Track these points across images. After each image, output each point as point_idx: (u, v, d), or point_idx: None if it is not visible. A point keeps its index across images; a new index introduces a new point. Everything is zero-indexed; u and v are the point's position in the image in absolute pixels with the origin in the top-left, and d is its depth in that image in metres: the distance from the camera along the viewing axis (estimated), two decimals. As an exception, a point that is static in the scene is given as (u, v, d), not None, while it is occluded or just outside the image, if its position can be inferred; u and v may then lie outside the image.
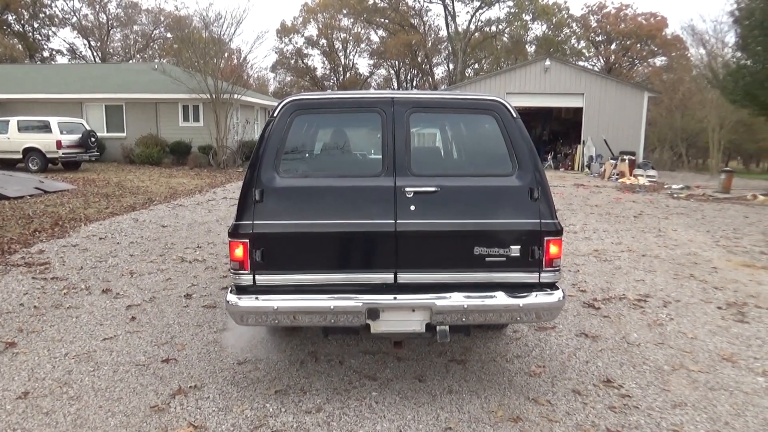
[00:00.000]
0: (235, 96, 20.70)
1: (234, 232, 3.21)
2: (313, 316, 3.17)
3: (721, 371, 3.84)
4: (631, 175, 19.27)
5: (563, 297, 3.25)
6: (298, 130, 3.38)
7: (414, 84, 61.27)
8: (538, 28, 51.20)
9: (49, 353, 4.00)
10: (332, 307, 3.13)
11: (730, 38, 23.37)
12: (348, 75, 56.57)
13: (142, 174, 17.37)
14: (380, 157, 3.32)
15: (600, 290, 5.77)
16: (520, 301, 3.19)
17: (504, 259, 3.24)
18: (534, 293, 3.23)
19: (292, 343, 4.18)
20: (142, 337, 4.31)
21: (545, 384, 3.59)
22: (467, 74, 54.27)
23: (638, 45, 49.28)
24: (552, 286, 3.30)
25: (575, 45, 52.34)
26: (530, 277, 3.27)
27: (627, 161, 19.80)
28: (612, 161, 20.61)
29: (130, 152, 20.88)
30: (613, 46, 51.07)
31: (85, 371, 3.72)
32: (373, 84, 61.17)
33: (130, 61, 45.94)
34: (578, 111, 24.10)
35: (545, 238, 3.23)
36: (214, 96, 19.75)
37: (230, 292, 3.27)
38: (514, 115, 3.41)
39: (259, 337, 4.29)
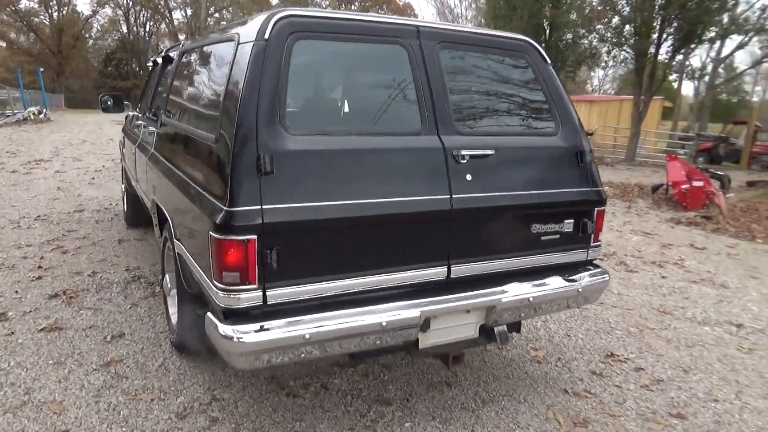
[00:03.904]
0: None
1: (228, 225, 1.98)
2: (358, 339, 2.18)
3: (673, 326, 3.95)
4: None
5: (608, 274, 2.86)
6: (301, 62, 2.22)
7: (147, 29, 54.82)
8: (283, -19, 50.05)
9: None
10: (384, 324, 2.19)
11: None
12: (64, 12, 47.56)
13: None
14: (416, 107, 2.40)
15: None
16: (579, 285, 2.69)
17: (558, 236, 2.68)
18: (584, 273, 2.76)
19: (229, 370, 2.99)
20: (-29, 401, 2.61)
21: (564, 370, 3.20)
22: (209, 24, 50.66)
23: (376, 7, 52.04)
24: (594, 264, 2.87)
25: (318, 1, 52.75)
26: (579, 255, 2.79)
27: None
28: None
29: None
30: (354, 6, 52.92)
31: None
32: (95, 27, 52.82)
33: None
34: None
35: (596, 209, 2.76)
36: None
37: (219, 320, 2.06)
38: (547, 60, 2.81)
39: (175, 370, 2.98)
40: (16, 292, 3.96)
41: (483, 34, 2.69)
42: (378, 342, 2.23)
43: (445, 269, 2.40)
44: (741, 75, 28.84)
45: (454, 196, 2.34)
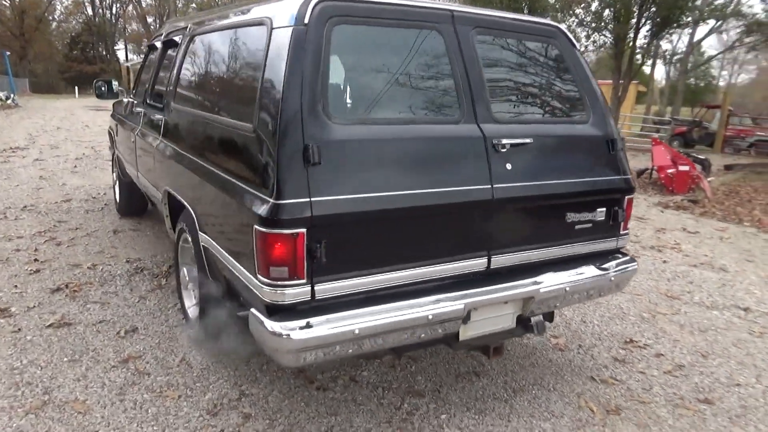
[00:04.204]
0: None
1: (275, 219, 1.90)
2: (404, 333, 2.13)
3: (683, 311, 4.00)
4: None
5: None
6: (339, 48, 2.14)
7: (114, 12, 53.24)
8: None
9: None
10: (431, 317, 2.15)
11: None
12: (26, -7, 45.60)
13: None
14: (454, 94, 2.34)
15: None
16: (611, 274, 2.68)
17: (590, 225, 2.67)
18: (614, 262, 2.76)
19: (253, 364, 2.92)
20: (-13, 403, 2.50)
21: (587, 358, 3.21)
22: (178, 7, 49.62)
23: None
24: (622, 252, 2.87)
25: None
26: (610, 244, 2.78)
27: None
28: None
29: None
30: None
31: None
32: (59, 9, 51.05)
33: None
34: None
35: (626, 197, 2.76)
36: None
37: (265, 316, 1.99)
38: (576, 46, 2.77)
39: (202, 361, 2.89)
40: (15, 286, 3.80)
41: (514, 18, 2.64)
42: (422, 335, 2.19)
43: (485, 260, 2.37)
44: (712, 59, 29.41)
45: (495, 185, 2.30)
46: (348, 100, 2.14)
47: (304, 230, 1.92)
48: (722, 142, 19.15)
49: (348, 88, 2.15)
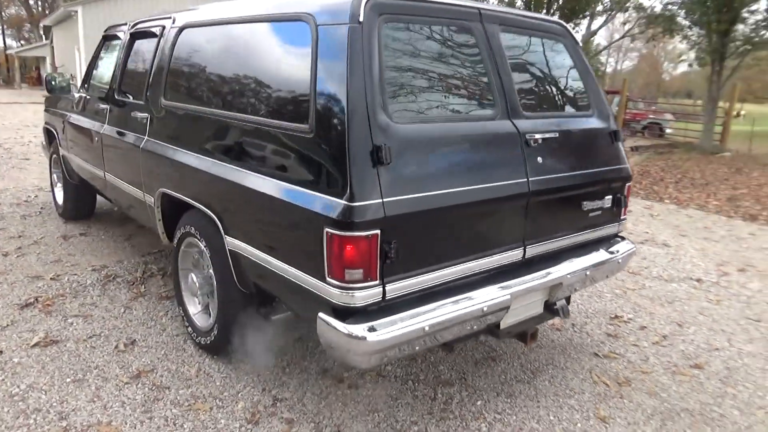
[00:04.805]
0: None
1: (350, 221, 1.88)
2: (461, 326, 2.19)
3: (647, 285, 4.35)
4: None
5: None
6: (389, 45, 2.13)
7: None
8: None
9: None
10: (485, 309, 2.22)
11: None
12: None
13: None
14: (489, 91, 2.41)
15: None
16: (619, 256, 2.89)
17: (600, 212, 2.85)
18: (618, 245, 2.97)
19: (276, 368, 2.86)
20: None
21: (583, 335, 3.42)
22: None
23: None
24: (620, 236, 3.09)
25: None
26: (613, 229, 2.98)
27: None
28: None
29: None
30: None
31: None
32: None
33: None
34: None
35: (627, 184, 2.96)
36: None
37: (337, 319, 1.97)
38: (579, 42, 2.93)
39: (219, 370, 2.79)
40: (-24, 306, 3.44)
41: (530, 17, 2.75)
42: (474, 327, 2.26)
43: (521, 251, 2.47)
44: (607, 48, 31.54)
45: (530, 178, 2.40)
46: (402, 99, 2.13)
47: (378, 231, 1.91)
48: (621, 125, 20.67)
49: (401, 87, 2.14)
